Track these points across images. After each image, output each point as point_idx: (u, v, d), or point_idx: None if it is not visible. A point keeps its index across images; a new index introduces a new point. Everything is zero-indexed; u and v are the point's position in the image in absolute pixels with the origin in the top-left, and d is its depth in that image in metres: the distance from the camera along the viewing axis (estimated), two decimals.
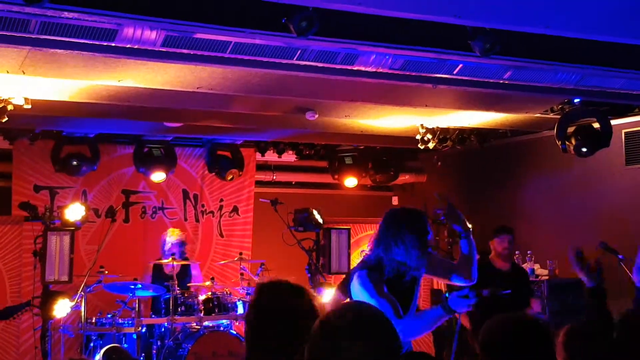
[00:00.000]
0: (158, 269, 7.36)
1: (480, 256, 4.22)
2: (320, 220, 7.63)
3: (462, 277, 3.79)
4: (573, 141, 6.72)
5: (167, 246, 7.35)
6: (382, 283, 3.58)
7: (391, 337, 1.87)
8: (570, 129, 6.71)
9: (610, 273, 6.65)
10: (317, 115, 6.53)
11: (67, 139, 7.70)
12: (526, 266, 7.63)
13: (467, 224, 3.82)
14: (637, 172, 7.21)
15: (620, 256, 6.27)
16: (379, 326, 1.87)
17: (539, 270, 7.65)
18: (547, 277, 7.49)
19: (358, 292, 3.61)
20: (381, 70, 4.78)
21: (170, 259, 7.06)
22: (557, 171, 7.93)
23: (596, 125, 6.71)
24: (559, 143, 6.54)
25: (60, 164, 7.69)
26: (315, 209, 7.66)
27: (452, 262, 4.23)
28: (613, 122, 6.84)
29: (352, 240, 8.75)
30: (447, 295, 3.42)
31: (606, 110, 6.75)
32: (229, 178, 8.42)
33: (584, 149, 6.66)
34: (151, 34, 4.05)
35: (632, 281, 6.04)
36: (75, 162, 7.63)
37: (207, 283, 7.26)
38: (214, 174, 8.47)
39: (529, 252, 7.70)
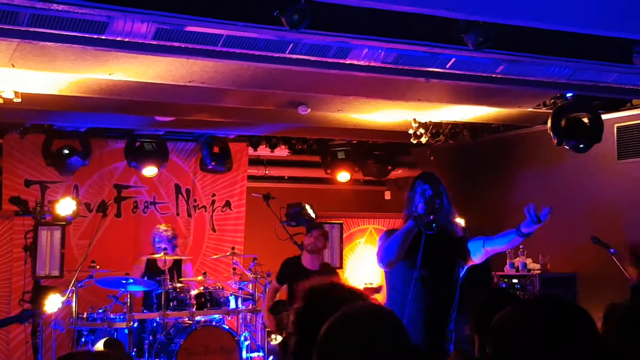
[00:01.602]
0: (151, 264, 7.33)
1: None
2: (313, 215, 7.62)
3: (488, 239, 4.24)
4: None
5: (157, 242, 7.32)
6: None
7: (397, 337, 1.83)
8: (562, 124, 6.70)
9: (601, 266, 6.70)
10: (309, 110, 6.51)
11: (58, 133, 7.64)
12: (518, 260, 7.65)
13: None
14: (629, 166, 7.22)
15: (611, 250, 6.31)
16: (383, 326, 1.84)
17: (531, 264, 7.65)
18: (539, 271, 7.51)
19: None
20: (374, 64, 4.76)
21: (162, 254, 7.04)
22: (549, 165, 7.93)
23: (586, 120, 6.71)
24: (554, 139, 6.52)
25: (51, 159, 7.64)
26: (308, 204, 7.65)
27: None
28: (605, 116, 6.84)
29: (344, 235, 8.77)
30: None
31: (598, 104, 6.75)
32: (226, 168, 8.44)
33: (582, 145, 6.63)
34: (142, 27, 4.01)
35: (622, 273, 6.08)
36: (66, 157, 7.59)
37: (200, 278, 7.25)
38: (209, 168, 8.43)
39: (521, 246, 7.71)
